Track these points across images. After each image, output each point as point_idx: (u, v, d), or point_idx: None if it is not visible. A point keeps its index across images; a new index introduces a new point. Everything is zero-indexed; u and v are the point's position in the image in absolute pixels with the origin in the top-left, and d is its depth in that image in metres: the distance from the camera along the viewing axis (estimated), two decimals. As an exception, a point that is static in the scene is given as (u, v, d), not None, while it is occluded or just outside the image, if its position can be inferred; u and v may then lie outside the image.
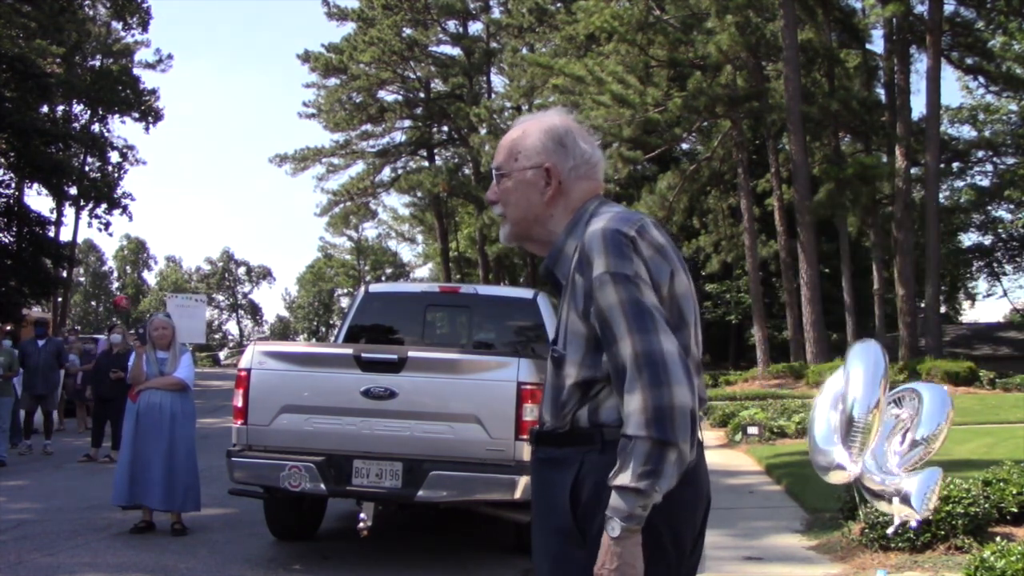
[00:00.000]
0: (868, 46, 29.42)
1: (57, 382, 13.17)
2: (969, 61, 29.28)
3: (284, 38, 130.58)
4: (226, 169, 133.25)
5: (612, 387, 1.77)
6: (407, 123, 44.43)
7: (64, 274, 33.76)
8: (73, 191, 34.27)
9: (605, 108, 26.35)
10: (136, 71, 41.68)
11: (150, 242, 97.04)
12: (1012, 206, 40.00)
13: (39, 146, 26.09)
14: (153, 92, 40.97)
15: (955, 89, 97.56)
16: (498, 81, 42.91)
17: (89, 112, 40.11)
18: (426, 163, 44.49)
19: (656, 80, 28.95)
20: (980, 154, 37.82)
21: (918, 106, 28.38)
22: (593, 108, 26.44)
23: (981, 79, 31.03)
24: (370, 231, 71.98)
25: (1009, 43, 30.85)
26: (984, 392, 21.58)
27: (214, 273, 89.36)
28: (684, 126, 28.28)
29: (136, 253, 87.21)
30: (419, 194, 44.48)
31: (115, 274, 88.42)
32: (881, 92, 29.37)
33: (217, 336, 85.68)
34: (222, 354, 68.13)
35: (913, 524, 4.82)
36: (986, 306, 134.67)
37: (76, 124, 38.66)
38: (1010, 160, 37.37)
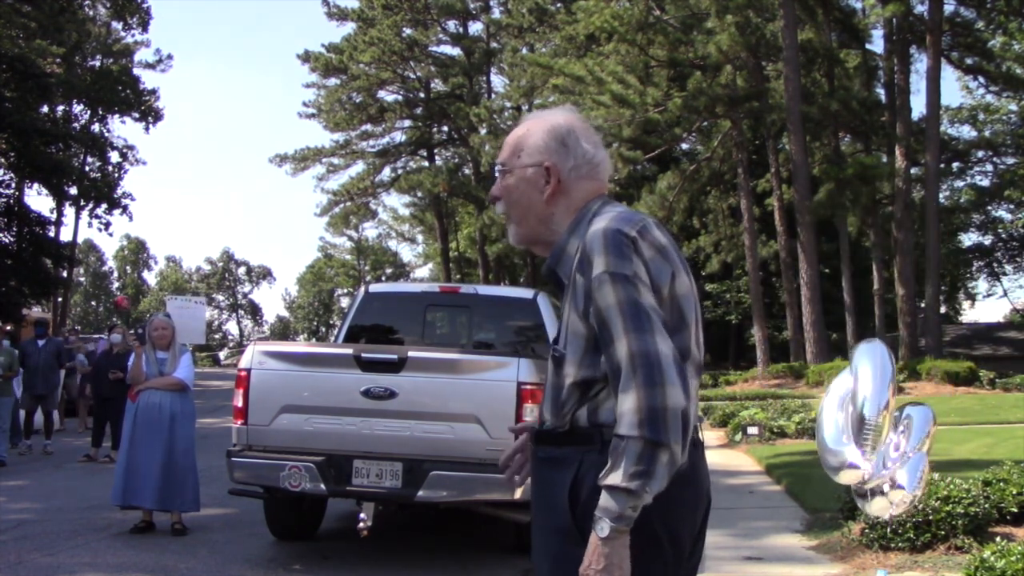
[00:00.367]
0: (868, 46, 29.47)
1: (57, 382, 13.17)
2: (969, 61, 29.29)
3: (284, 38, 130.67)
4: (226, 169, 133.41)
5: (611, 387, 1.77)
6: (407, 123, 44.44)
7: (64, 274, 33.77)
8: (73, 191, 34.29)
9: (605, 108, 26.35)
10: (136, 71, 41.74)
11: (150, 242, 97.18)
12: (1012, 206, 40.03)
13: (39, 146, 26.09)
14: (153, 92, 40.99)
15: (955, 89, 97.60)
16: (498, 81, 42.98)
17: (89, 112, 40.13)
18: (426, 163, 44.49)
19: (656, 80, 28.95)
20: (980, 154, 37.85)
21: (918, 106, 28.44)
22: (593, 108, 26.43)
23: (981, 79, 31.05)
24: (370, 231, 72.12)
25: (1009, 43, 30.86)
26: (984, 392, 21.59)
27: (214, 273, 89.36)
28: (684, 126, 28.28)
29: (136, 253, 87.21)
30: (419, 194, 44.49)
31: (115, 274, 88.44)
32: (881, 92, 29.38)
33: (217, 336, 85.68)
34: (222, 354, 68.12)
35: (906, 505, 4.87)
36: (986, 306, 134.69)
37: (76, 124, 38.67)
38: (1010, 160, 37.39)
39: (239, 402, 5.43)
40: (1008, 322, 45.30)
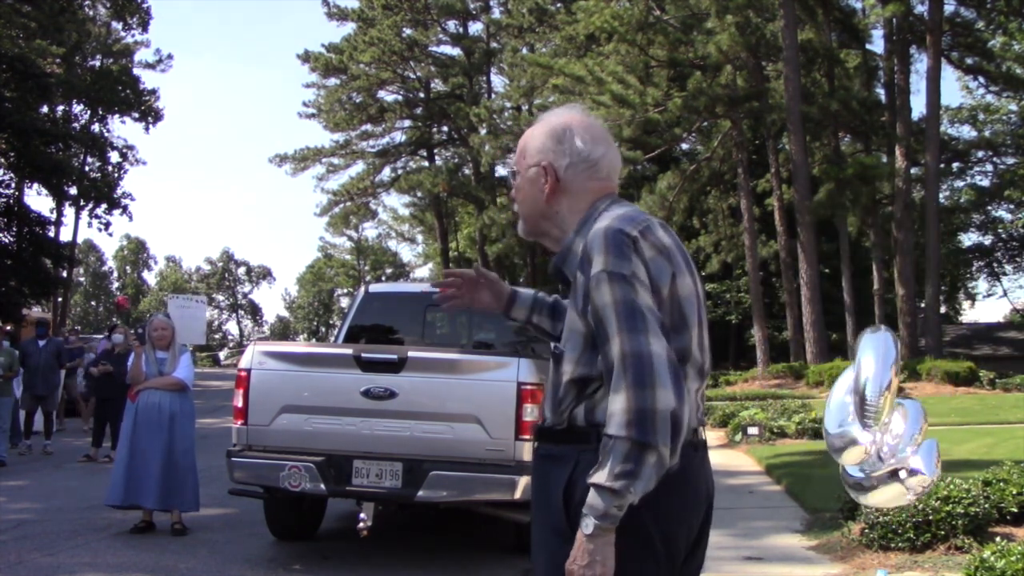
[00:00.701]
0: (868, 46, 29.48)
1: (57, 382, 13.17)
2: (969, 61, 29.30)
3: (284, 38, 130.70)
4: (226, 169, 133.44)
5: (606, 386, 1.77)
6: (407, 123, 44.42)
7: (64, 274, 33.75)
8: (73, 191, 34.27)
9: (605, 108, 26.34)
10: (136, 71, 41.71)
11: (150, 242, 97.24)
12: (1012, 206, 40.03)
13: (39, 146, 26.09)
14: (153, 92, 40.98)
15: (955, 89, 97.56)
16: (498, 81, 42.95)
17: (89, 112, 40.11)
18: (426, 163, 44.48)
19: (656, 80, 28.95)
20: (980, 154, 37.85)
21: (918, 106, 28.43)
22: (593, 108, 26.38)
23: (981, 79, 31.06)
24: (370, 231, 72.11)
25: (1009, 43, 30.87)
26: (984, 392, 21.59)
27: (214, 273, 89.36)
28: (684, 126, 28.28)
29: (136, 253, 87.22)
30: (419, 194, 44.48)
31: (115, 274, 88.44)
32: (881, 92, 29.38)
33: (217, 336, 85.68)
34: (222, 354, 68.13)
35: (923, 489, 4.89)
36: (986, 306, 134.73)
37: (76, 124, 38.66)
38: (1010, 160, 37.39)
39: (239, 402, 5.43)
40: (1008, 322, 45.29)
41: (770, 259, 32.04)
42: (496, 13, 41.62)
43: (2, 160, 27.34)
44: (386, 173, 45.23)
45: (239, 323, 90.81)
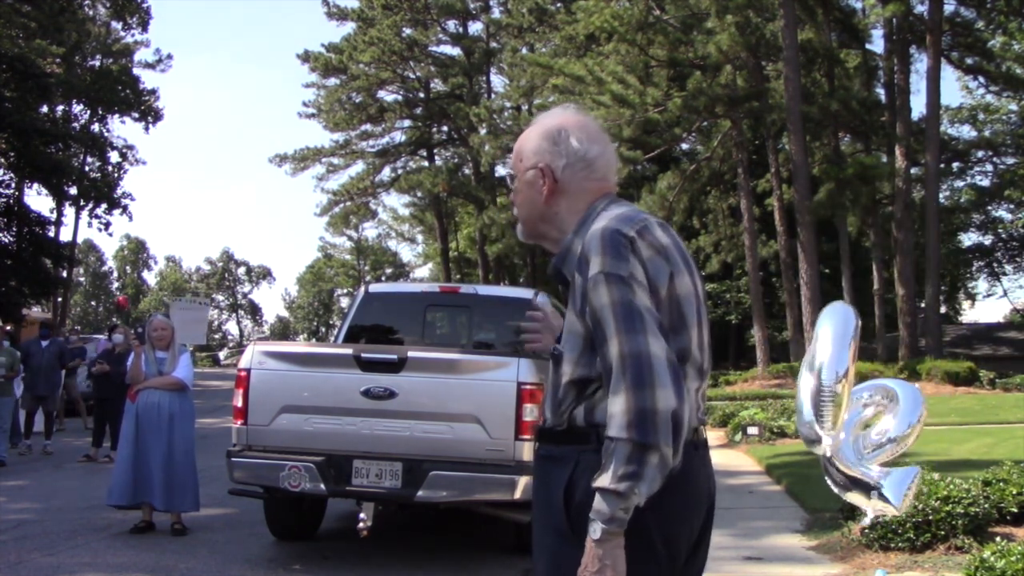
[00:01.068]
0: (868, 46, 29.46)
1: (59, 383, 13.17)
2: (969, 61, 29.29)
3: (284, 38, 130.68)
4: (226, 169, 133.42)
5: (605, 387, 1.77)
6: (407, 123, 44.42)
7: (64, 274, 33.76)
8: (73, 191, 34.25)
9: (605, 108, 26.34)
10: (136, 71, 41.68)
11: (150, 242, 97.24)
12: (1012, 206, 40.01)
13: (39, 146, 26.09)
14: (153, 92, 40.96)
15: (955, 89, 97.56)
16: (498, 81, 42.94)
17: (89, 112, 40.08)
18: (426, 163, 44.47)
19: (656, 80, 28.94)
20: (980, 154, 37.84)
21: (918, 106, 28.42)
22: (593, 108, 26.40)
23: (981, 79, 31.05)
24: (370, 231, 72.09)
25: (1009, 43, 30.85)
26: (984, 392, 21.60)
27: (214, 273, 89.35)
28: (684, 126, 28.27)
29: (136, 253, 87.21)
30: (419, 194, 44.47)
31: (115, 274, 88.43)
32: (881, 92, 29.37)
33: (217, 336, 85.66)
34: (222, 354, 68.11)
35: (887, 518, 4.74)
36: (986, 306, 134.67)
37: (76, 124, 38.63)
38: (1010, 160, 37.38)
39: (239, 402, 5.43)
40: (1008, 322, 45.27)
41: (770, 259, 32.04)
42: (496, 13, 41.62)
43: (2, 160, 27.34)
44: (386, 173, 45.26)
45: (239, 323, 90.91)
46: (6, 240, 27.26)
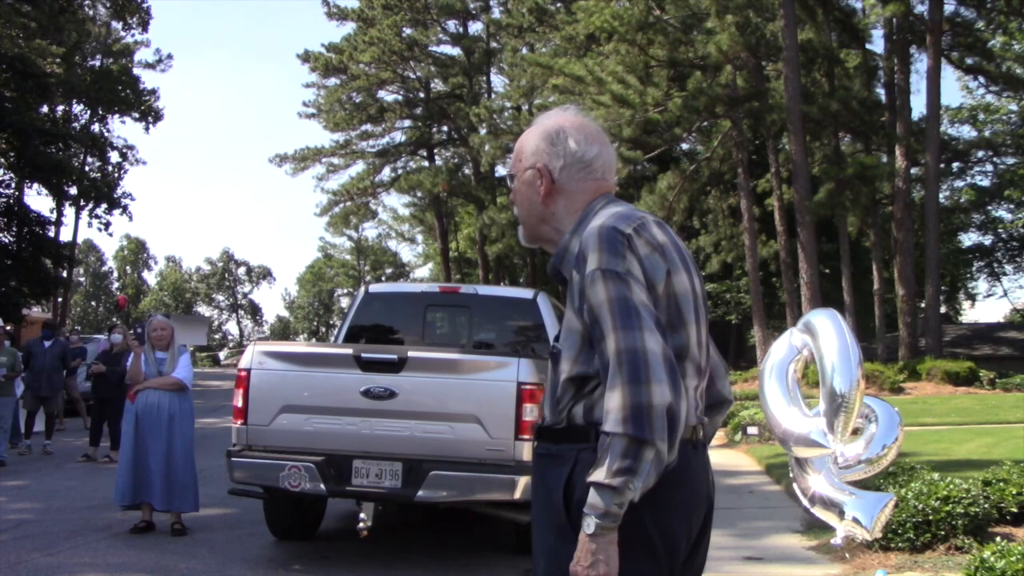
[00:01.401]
0: (868, 46, 29.44)
1: (61, 383, 13.17)
2: (969, 61, 29.28)
3: (284, 37, 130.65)
4: (226, 169, 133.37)
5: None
6: (407, 123, 44.42)
7: (64, 274, 33.77)
8: (73, 191, 34.30)
9: (605, 108, 26.34)
10: (136, 71, 41.73)
11: (150, 242, 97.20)
12: (1012, 206, 40.01)
13: (39, 146, 26.10)
14: (153, 92, 41.01)
15: (955, 89, 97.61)
16: (498, 81, 42.93)
17: (89, 112, 40.12)
18: (426, 163, 44.48)
19: (656, 80, 28.92)
20: (980, 154, 37.84)
21: (918, 106, 28.43)
22: (593, 108, 26.40)
23: (981, 79, 31.03)
24: (370, 231, 72.04)
25: (1009, 43, 30.87)
26: (984, 392, 21.61)
27: (214, 273, 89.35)
28: (684, 126, 28.25)
29: (136, 253, 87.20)
30: (419, 194, 44.45)
31: (115, 274, 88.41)
32: (881, 92, 29.36)
33: (217, 336, 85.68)
34: (222, 354, 68.12)
35: (858, 540, 4.72)
36: (986, 306, 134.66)
37: (76, 124, 38.67)
38: (1010, 160, 37.38)
39: (239, 402, 5.43)
40: (1008, 322, 45.26)
41: (770, 259, 32.04)
42: (496, 13, 41.61)
43: (2, 160, 27.35)
44: (386, 173, 45.24)
45: (239, 323, 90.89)
46: (6, 240, 27.27)
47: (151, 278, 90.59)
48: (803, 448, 4.19)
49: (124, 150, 40.79)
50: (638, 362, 1.68)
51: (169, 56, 43.54)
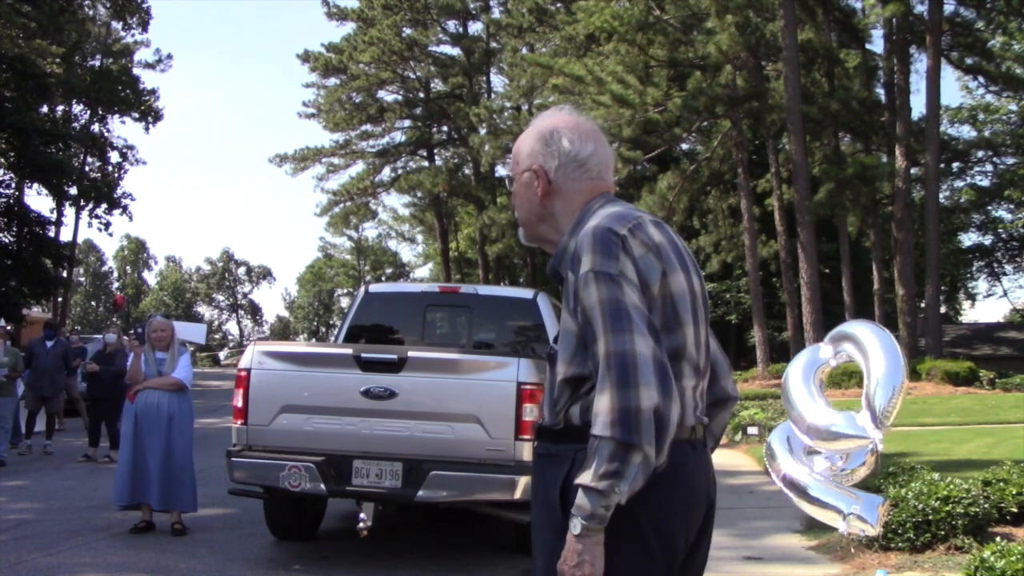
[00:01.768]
0: (868, 46, 29.46)
1: (63, 383, 13.17)
2: (969, 61, 29.28)
3: (284, 38, 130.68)
4: (226, 169, 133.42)
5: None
6: (407, 123, 44.42)
7: (64, 274, 33.77)
8: (73, 191, 34.28)
9: (605, 108, 26.34)
10: (136, 71, 41.74)
11: (150, 242, 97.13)
12: (1012, 206, 40.03)
13: (39, 146, 26.09)
14: (153, 92, 41.01)
15: (955, 89, 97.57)
16: (498, 81, 42.94)
17: (89, 112, 40.12)
18: (426, 163, 44.48)
19: (656, 80, 28.93)
20: (980, 154, 37.87)
21: (918, 106, 28.43)
22: (593, 108, 26.41)
23: (981, 79, 31.04)
24: (370, 231, 72.05)
25: (1009, 43, 30.87)
26: (984, 392, 21.61)
27: (214, 273, 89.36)
28: (684, 126, 28.26)
29: (136, 253, 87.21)
30: (419, 194, 44.47)
31: (115, 274, 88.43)
32: (881, 92, 29.37)
33: (217, 336, 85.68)
34: (222, 354, 68.13)
35: (864, 535, 4.86)
36: (986, 306, 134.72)
37: (76, 124, 38.66)
38: (1010, 160, 37.40)
39: (239, 402, 5.43)
40: (1008, 322, 45.29)
41: (770, 259, 32.05)
42: (496, 13, 41.62)
43: (2, 160, 27.34)
44: (386, 173, 45.25)
45: (239, 323, 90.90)
46: (6, 240, 27.26)
47: (151, 278, 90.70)
48: (828, 442, 4.42)
49: (124, 150, 40.82)
50: (627, 365, 1.68)
51: (169, 56, 43.60)
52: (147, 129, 40.86)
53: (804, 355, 4.82)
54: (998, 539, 4.45)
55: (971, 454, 9.66)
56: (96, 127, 40.25)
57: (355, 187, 44.22)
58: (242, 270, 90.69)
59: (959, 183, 40.03)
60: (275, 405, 5.36)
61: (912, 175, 27.01)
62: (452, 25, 42.46)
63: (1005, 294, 53.21)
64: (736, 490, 8.48)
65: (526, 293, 7.36)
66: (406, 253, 76.14)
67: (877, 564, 5.08)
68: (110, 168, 40.00)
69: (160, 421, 6.56)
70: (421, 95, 43.47)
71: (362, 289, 7.59)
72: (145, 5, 37.61)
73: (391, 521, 7.10)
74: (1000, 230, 42.21)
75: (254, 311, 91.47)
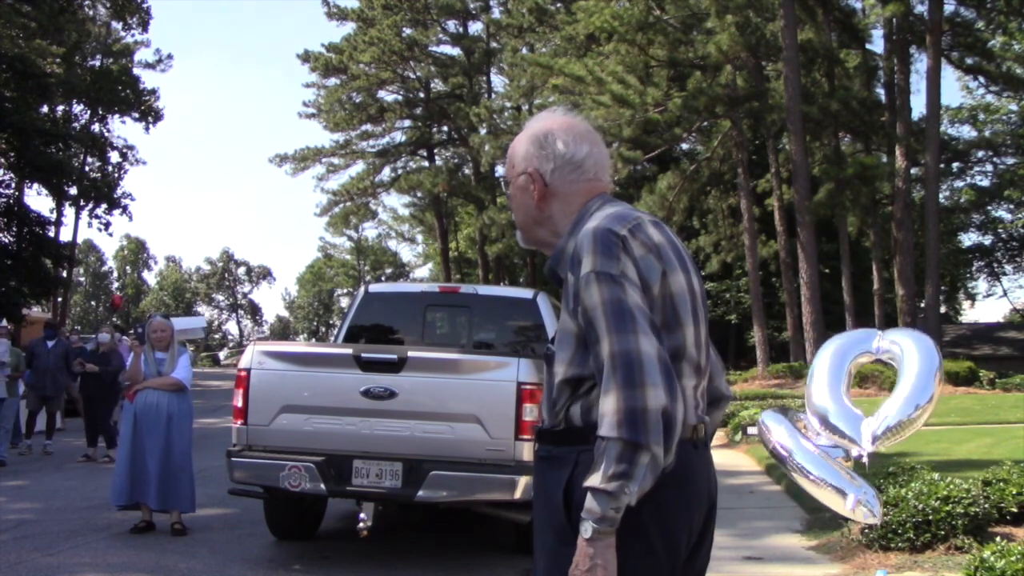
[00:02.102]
0: (868, 46, 29.44)
1: (64, 383, 13.17)
2: (969, 61, 29.27)
3: (284, 38, 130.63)
4: (226, 169, 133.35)
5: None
6: (407, 123, 44.42)
7: (64, 274, 33.76)
8: (73, 191, 34.32)
9: (605, 108, 26.33)
10: (136, 71, 41.76)
11: (150, 242, 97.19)
12: (1012, 206, 40.02)
13: (39, 146, 26.10)
14: (153, 92, 41.03)
15: (955, 89, 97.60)
16: (498, 81, 42.95)
17: (89, 112, 40.14)
18: (426, 163, 44.48)
19: (656, 80, 28.92)
20: (980, 154, 37.85)
21: (918, 106, 28.41)
22: (593, 108, 26.41)
23: (981, 79, 31.02)
24: (370, 231, 72.05)
25: (1009, 43, 30.86)
26: (984, 392, 21.61)
27: (214, 273, 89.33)
28: (684, 126, 28.25)
29: (136, 253, 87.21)
30: (419, 194, 44.47)
31: (115, 274, 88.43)
32: (881, 92, 29.36)
33: (217, 336, 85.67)
34: (222, 354, 68.12)
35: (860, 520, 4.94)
36: (986, 306, 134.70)
37: (76, 124, 38.67)
38: (1010, 160, 37.39)
39: (239, 402, 5.43)
40: (1008, 322, 45.29)
41: (770, 259, 32.04)
42: (496, 13, 41.62)
43: (2, 160, 27.34)
44: (386, 173, 45.25)
45: (239, 323, 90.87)
46: (6, 240, 27.26)
47: (151, 278, 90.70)
48: (819, 423, 4.49)
49: (124, 150, 40.84)
50: (632, 365, 1.68)
51: (169, 56, 43.63)
52: (147, 129, 40.95)
53: (856, 333, 4.79)
54: (998, 539, 4.45)
55: (971, 454, 9.66)
56: (96, 127, 40.29)
57: (355, 187, 44.22)
58: (242, 270, 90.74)
59: (959, 183, 40.05)
60: (275, 405, 5.36)
61: (912, 175, 27.00)
62: (452, 25, 42.49)
63: (1005, 294, 53.27)
64: (736, 490, 8.49)
65: (526, 293, 7.36)
66: (406, 253, 76.20)
67: (877, 564, 5.08)
68: (110, 168, 40.03)
69: (159, 421, 6.56)
70: (421, 95, 43.47)
71: (362, 289, 7.60)
72: (145, 5, 37.65)
73: (391, 521, 7.10)
74: (1000, 230, 42.22)
75: (254, 311, 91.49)
